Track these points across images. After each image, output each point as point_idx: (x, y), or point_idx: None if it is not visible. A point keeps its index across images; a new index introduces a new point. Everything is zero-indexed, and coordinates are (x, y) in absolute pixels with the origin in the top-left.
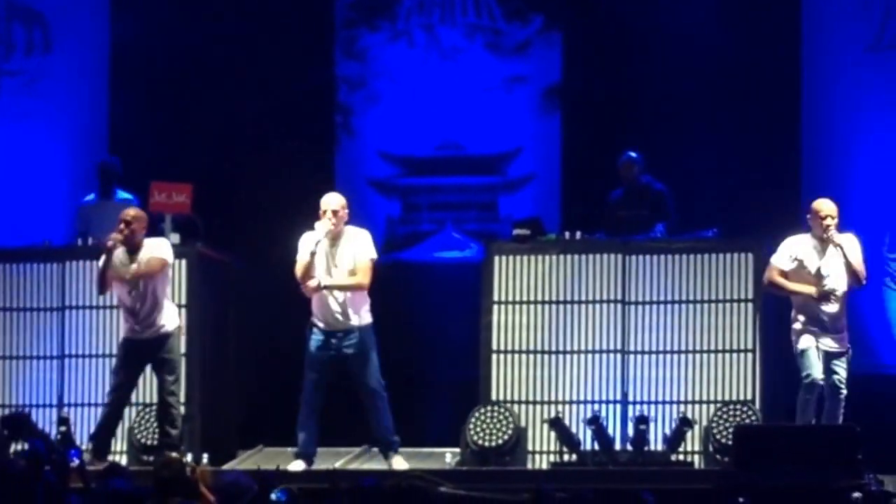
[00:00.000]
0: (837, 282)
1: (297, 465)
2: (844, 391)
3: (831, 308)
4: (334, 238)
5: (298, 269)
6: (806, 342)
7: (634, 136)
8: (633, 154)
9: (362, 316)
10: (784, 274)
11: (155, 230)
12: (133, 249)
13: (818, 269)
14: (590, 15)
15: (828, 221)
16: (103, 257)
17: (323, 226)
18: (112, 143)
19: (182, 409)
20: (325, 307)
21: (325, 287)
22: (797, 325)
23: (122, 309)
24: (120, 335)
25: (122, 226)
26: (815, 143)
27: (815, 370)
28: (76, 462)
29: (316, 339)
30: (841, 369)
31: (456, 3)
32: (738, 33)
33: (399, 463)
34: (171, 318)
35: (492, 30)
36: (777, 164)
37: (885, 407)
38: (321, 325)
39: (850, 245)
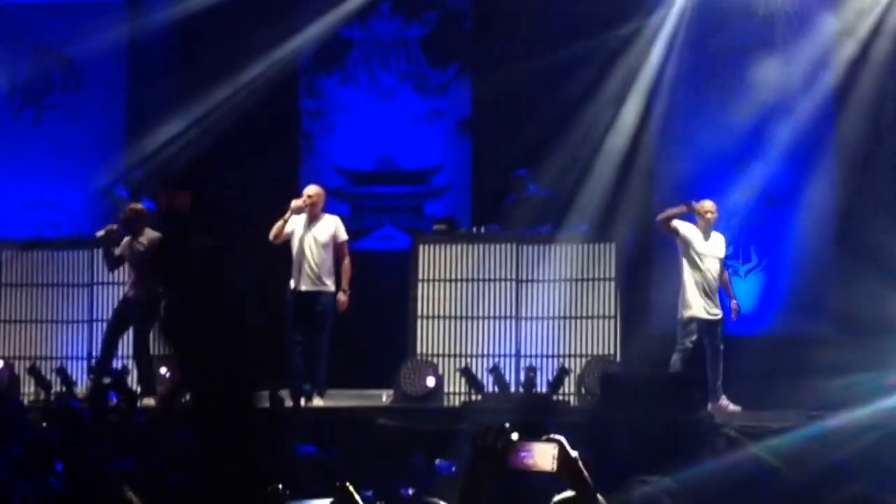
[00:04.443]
0: (713, 262)
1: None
2: (720, 345)
3: (713, 282)
4: (313, 219)
5: (272, 230)
6: (691, 311)
7: (526, 155)
8: (522, 171)
9: (330, 284)
10: (678, 228)
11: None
12: (137, 234)
13: (700, 249)
14: (492, 64)
15: (709, 215)
16: (103, 247)
17: (295, 202)
18: (128, 158)
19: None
20: (301, 271)
21: (347, 286)
22: (687, 296)
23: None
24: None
25: (125, 213)
26: (660, 162)
27: (691, 339)
28: (114, 401)
29: (293, 299)
30: (718, 332)
31: (391, 54)
32: (599, 76)
33: (319, 402)
34: (153, 286)
35: (419, 75)
36: (633, 177)
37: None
38: (293, 284)
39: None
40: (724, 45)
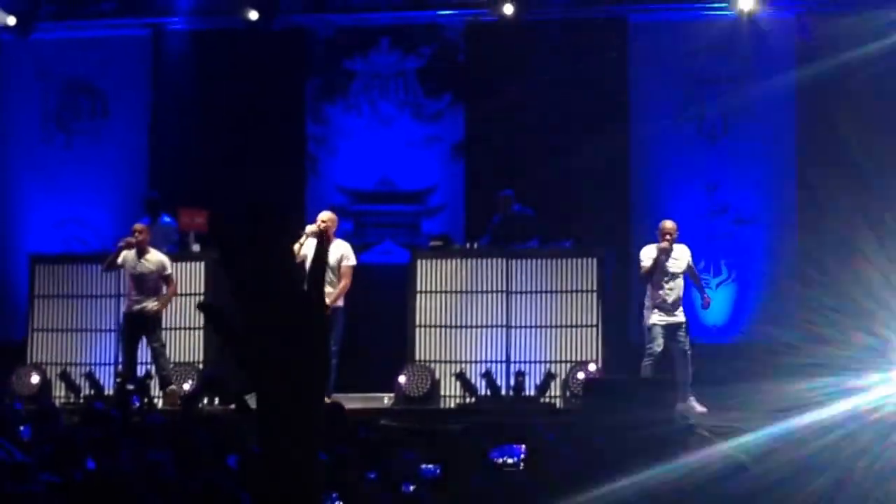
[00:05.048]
0: (676, 276)
1: None
2: (689, 350)
3: (673, 292)
4: (326, 243)
5: None
6: (653, 319)
7: (514, 178)
8: (507, 192)
9: (338, 301)
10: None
11: (185, 240)
12: (141, 252)
13: (663, 268)
14: (483, 94)
15: (666, 237)
16: (114, 253)
17: (310, 227)
18: (150, 179)
19: (168, 357)
20: None
21: (335, 298)
22: (649, 306)
23: (128, 293)
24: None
25: (136, 234)
26: (638, 184)
27: (657, 343)
28: (137, 405)
29: None
30: (682, 336)
31: (390, 85)
32: (582, 105)
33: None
34: (154, 302)
35: (415, 104)
36: (612, 199)
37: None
38: None
39: (681, 251)
40: (697, 76)
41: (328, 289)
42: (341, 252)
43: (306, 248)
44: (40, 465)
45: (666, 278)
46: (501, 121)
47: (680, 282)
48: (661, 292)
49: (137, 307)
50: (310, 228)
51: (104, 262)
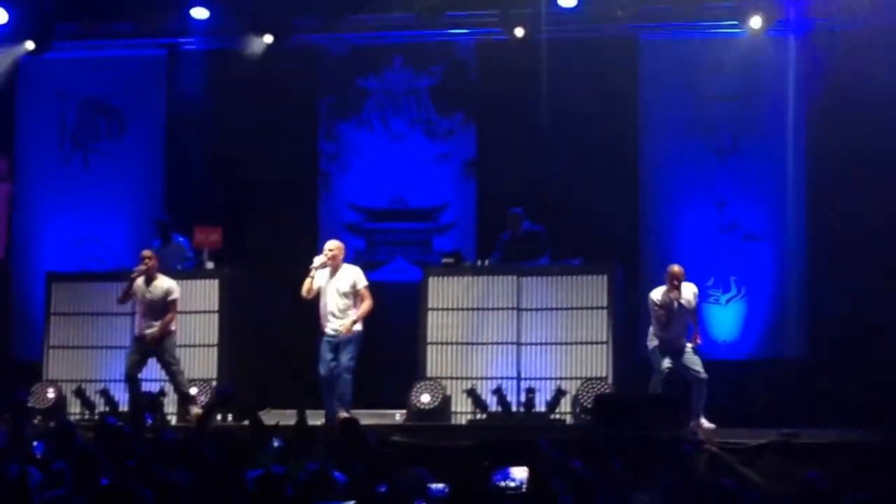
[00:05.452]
0: (680, 314)
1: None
2: (703, 375)
3: (681, 327)
4: (335, 270)
5: (303, 288)
6: (655, 343)
7: (525, 196)
8: (517, 210)
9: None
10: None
11: (199, 258)
12: (150, 279)
13: (669, 308)
14: (494, 113)
15: (675, 283)
16: (127, 283)
17: (317, 258)
18: (166, 197)
19: (184, 374)
20: (327, 317)
21: (359, 318)
22: (653, 333)
23: (137, 315)
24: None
25: (145, 261)
26: (647, 201)
27: (664, 363)
28: (150, 421)
29: (323, 338)
30: (695, 362)
31: (403, 102)
32: (592, 123)
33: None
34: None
35: (427, 121)
36: (622, 216)
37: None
38: (322, 328)
39: (689, 291)
40: (706, 94)
41: (340, 316)
42: (353, 277)
43: (318, 279)
44: (52, 481)
45: (673, 314)
46: (512, 139)
47: (684, 319)
48: (665, 331)
49: (148, 331)
50: (317, 260)
51: (120, 295)
